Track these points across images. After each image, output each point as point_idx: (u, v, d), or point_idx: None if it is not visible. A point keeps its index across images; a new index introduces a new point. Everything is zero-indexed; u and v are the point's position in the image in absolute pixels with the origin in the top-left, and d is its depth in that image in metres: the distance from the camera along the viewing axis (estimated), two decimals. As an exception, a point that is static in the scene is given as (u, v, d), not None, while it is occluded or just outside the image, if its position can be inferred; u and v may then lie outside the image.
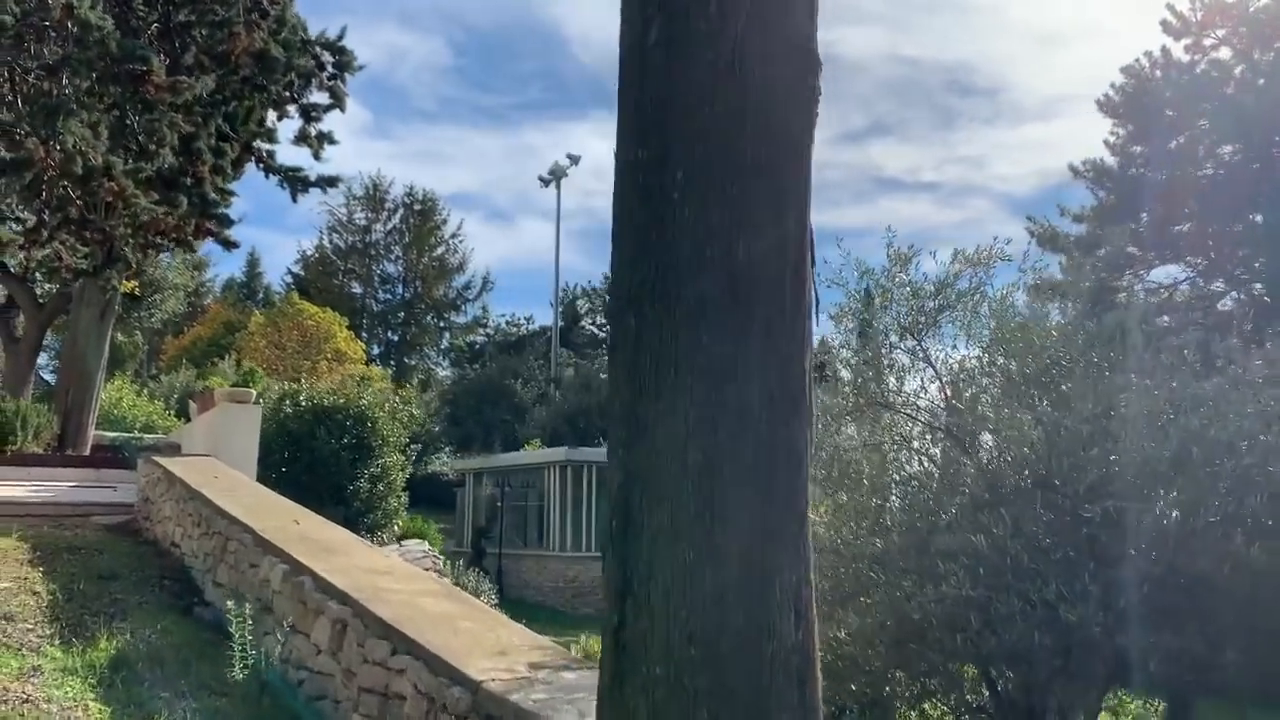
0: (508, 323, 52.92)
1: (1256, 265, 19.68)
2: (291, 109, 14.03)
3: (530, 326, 51.58)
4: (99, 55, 9.08)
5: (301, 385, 15.94)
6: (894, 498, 7.12)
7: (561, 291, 45.90)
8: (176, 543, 9.72)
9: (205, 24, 10.88)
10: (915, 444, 7.30)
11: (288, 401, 14.96)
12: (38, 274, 18.35)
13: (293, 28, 12.85)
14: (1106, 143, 21.41)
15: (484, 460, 34.06)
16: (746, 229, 2.37)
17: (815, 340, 2.57)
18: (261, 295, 56.97)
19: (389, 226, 56.22)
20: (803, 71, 2.53)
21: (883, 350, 7.78)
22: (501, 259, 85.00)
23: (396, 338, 56.55)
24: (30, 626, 6.78)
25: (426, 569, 10.61)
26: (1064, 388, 6.36)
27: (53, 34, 9.08)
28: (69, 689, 5.46)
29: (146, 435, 19.19)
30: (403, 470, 15.62)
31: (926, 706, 7.03)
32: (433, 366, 56.41)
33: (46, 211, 10.48)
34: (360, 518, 14.34)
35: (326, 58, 13.91)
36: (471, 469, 33.74)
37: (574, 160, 43.62)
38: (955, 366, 7.55)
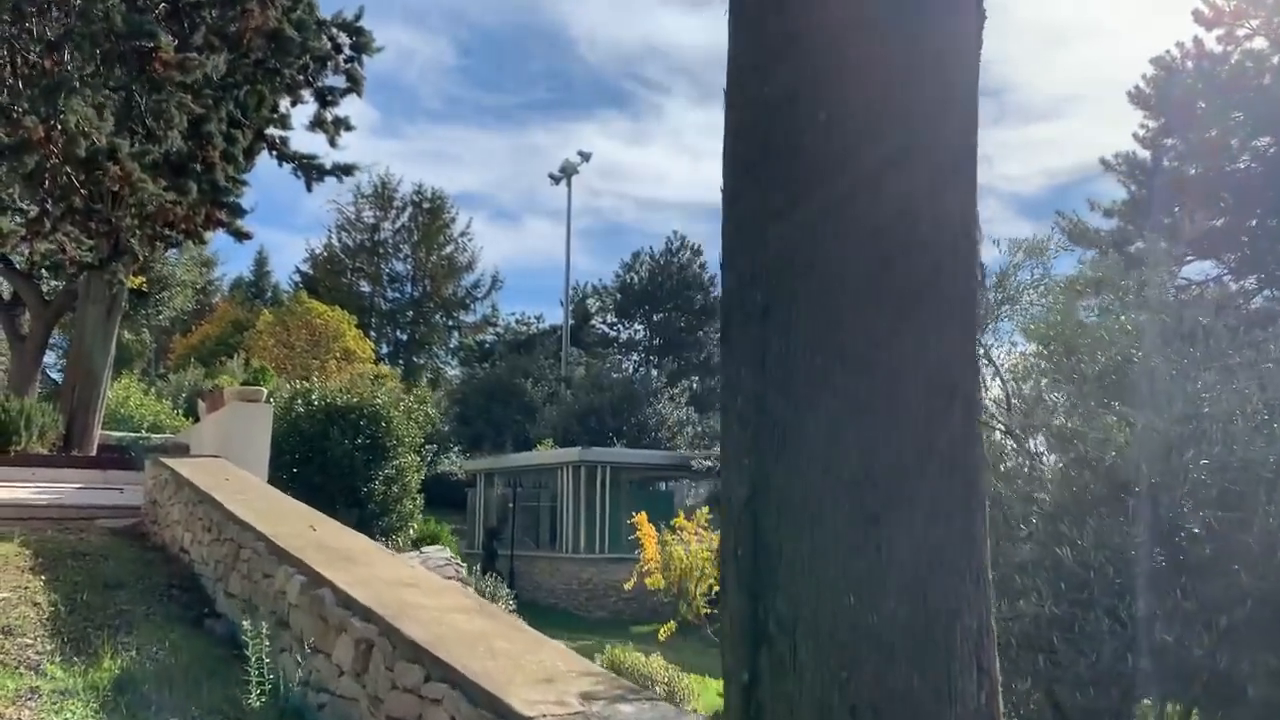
0: (517, 321, 52.52)
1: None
2: (306, 93, 13.49)
3: (540, 325, 51.14)
4: (103, 31, 8.61)
5: (314, 384, 15.46)
6: None
7: (571, 290, 45.48)
8: (185, 548, 9.26)
9: (216, 1, 10.38)
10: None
11: (300, 400, 14.49)
12: (43, 270, 17.92)
13: (308, 6, 12.30)
14: (1136, 135, 20.89)
15: (495, 460, 33.60)
16: (903, 173, 1.88)
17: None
18: (270, 294, 56.62)
19: (397, 225, 55.85)
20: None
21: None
22: (507, 259, 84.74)
23: (405, 337, 56.15)
24: (30, 641, 6.32)
25: (449, 577, 10.16)
26: (1145, 387, 5.86)
27: (54, 8, 8.63)
28: (69, 714, 5.00)
29: (154, 435, 18.76)
30: (418, 472, 15.16)
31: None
32: (441, 366, 56.01)
33: (49, 201, 10.04)
34: (375, 520, 13.88)
35: (343, 39, 13.37)
36: (482, 469, 33.29)
37: (585, 157, 43.23)
38: (1015, 363, 7.07)
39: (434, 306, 55.94)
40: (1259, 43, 19.63)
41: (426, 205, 55.62)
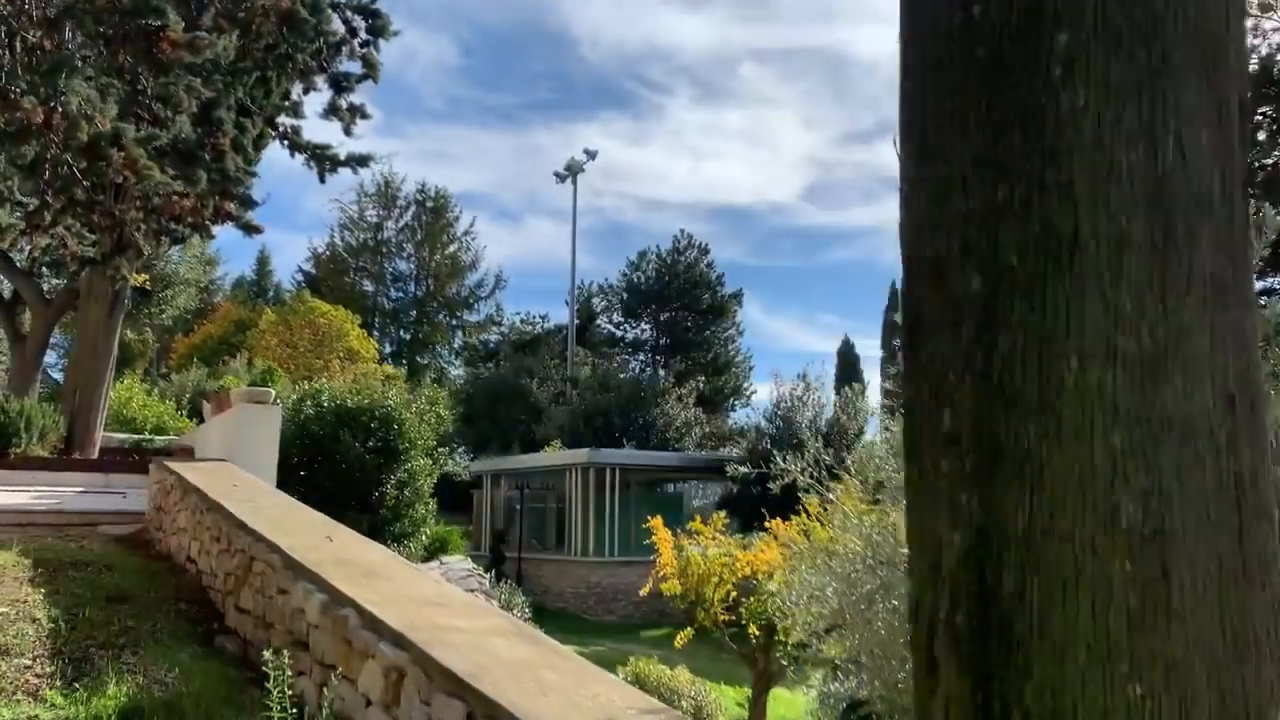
0: (522, 321, 52.03)
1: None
2: (319, 80, 12.99)
3: (545, 325, 50.64)
4: (107, 7, 8.14)
5: (323, 384, 15.00)
6: None
7: (576, 289, 45.00)
8: (193, 558, 8.81)
9: (227, -21, 9.93)
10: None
11: (309, 402, 14.03)
12: (44, 267, 17.46)
13: (322, -13, 11.89)
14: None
15: (502, 461, 33.19)
16: (1171, 119, 1.43)
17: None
18: (272, 293, 56.21)
19: (401, 224, 55.48)
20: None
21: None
22: (509, 259, 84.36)
23: (408, 336, 55.74)
24: (28, 663, 5.87)
25: (471, 590, 9.72)
26: None
27: (54, -17, 8.22)
28: (71, 750, 4.55)
29: (157, 437, 18.30)
30: (430, 476, 14.71)
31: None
32: (445, 365, 55.58)
33: (49, 193, 9.61)
34: (387, 526, 13.44)
35: (358, 22, 12.86)
36: (489, 470, 32.87)
37: (591, 155, 42.78)
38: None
39: (437, 306, 55.52)
40: (1287, 36, 19.18)
41: (430, 204, 55.23)
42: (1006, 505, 1.39)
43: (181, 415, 22.03)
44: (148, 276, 20.90)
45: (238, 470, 10.56)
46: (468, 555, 21.28)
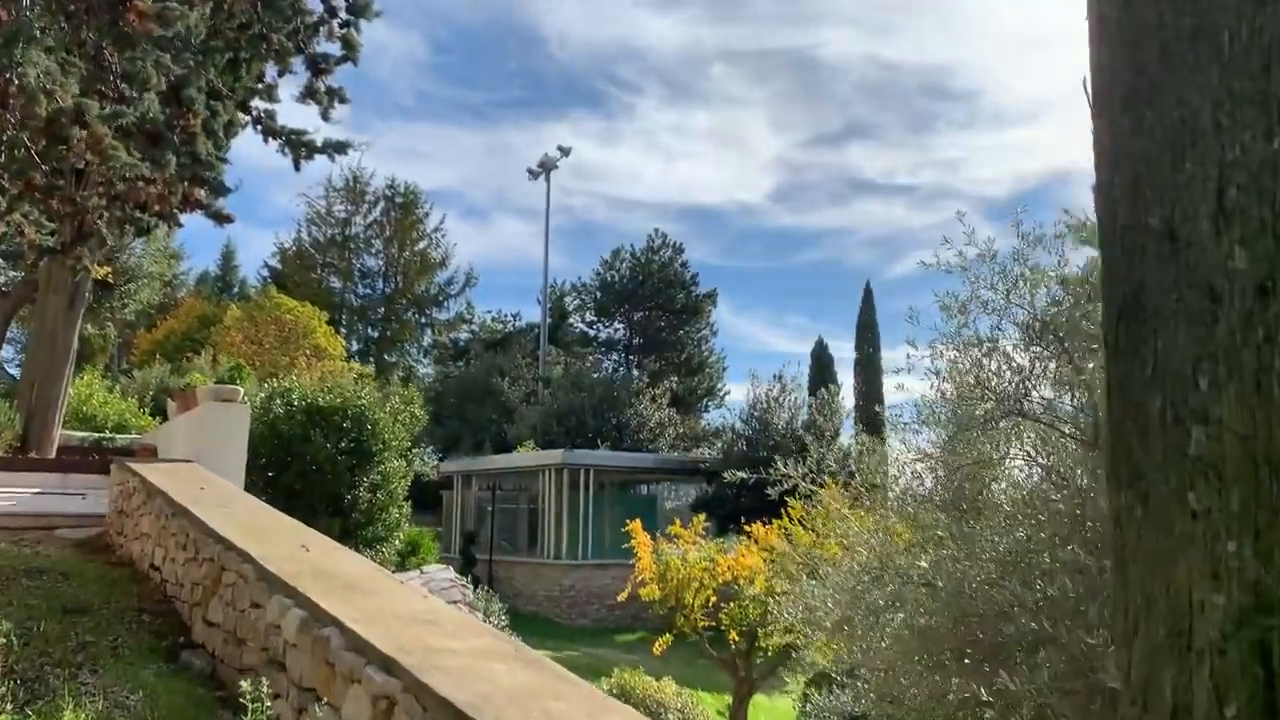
0: (493, 319, 51.40)
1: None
2: (296, 61, 12.37)
3: (516, 323, 50.07)
4: (68, -27, 7.67)
5: (294, 382, 14.45)
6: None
7: (549, 288, 44.52)
8: (156, 565, 8.32)
9: (199, -50, 9.35)
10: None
11: (278, 400, 13.49)
12: (0, 258, 16.78)
13: (300, -39, 11.30)
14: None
15: (473, 462, 32.67)
16: None
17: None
18: (237, 289, 55.22)
19: (369, 220, 54.66)
20: None
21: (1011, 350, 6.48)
22: (479, 257, 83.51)
23: (376, 334, 54.96)
24: (-24, 684, 5.39)
25: (455, 601, 9.29)
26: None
27: (11, -51, 7.67)
28: (22, 786, 4.10)
29: (118, 435, 17.66)
30: (404, 478, 14.22)
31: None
32: (413, 364, 54.85)
33: (5, 177, 9.04)
34: (359, 530, 12.95)
35: (338, 0, 12.26)
36: (460, 471, 32.34)
37: (565, 152, 42.35)
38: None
39: (406, 303, 54.78)
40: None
41: (399, 200, 54.45)
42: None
43: (144, 413, 21.36)
44: (110, 269, 20.18)
45: (205, 472, 10.05)
46: (447, 564, 20.81)
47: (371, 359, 49.59)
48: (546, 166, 42.05)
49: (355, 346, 51.76)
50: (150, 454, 13.03)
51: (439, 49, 73.65)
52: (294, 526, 7.60)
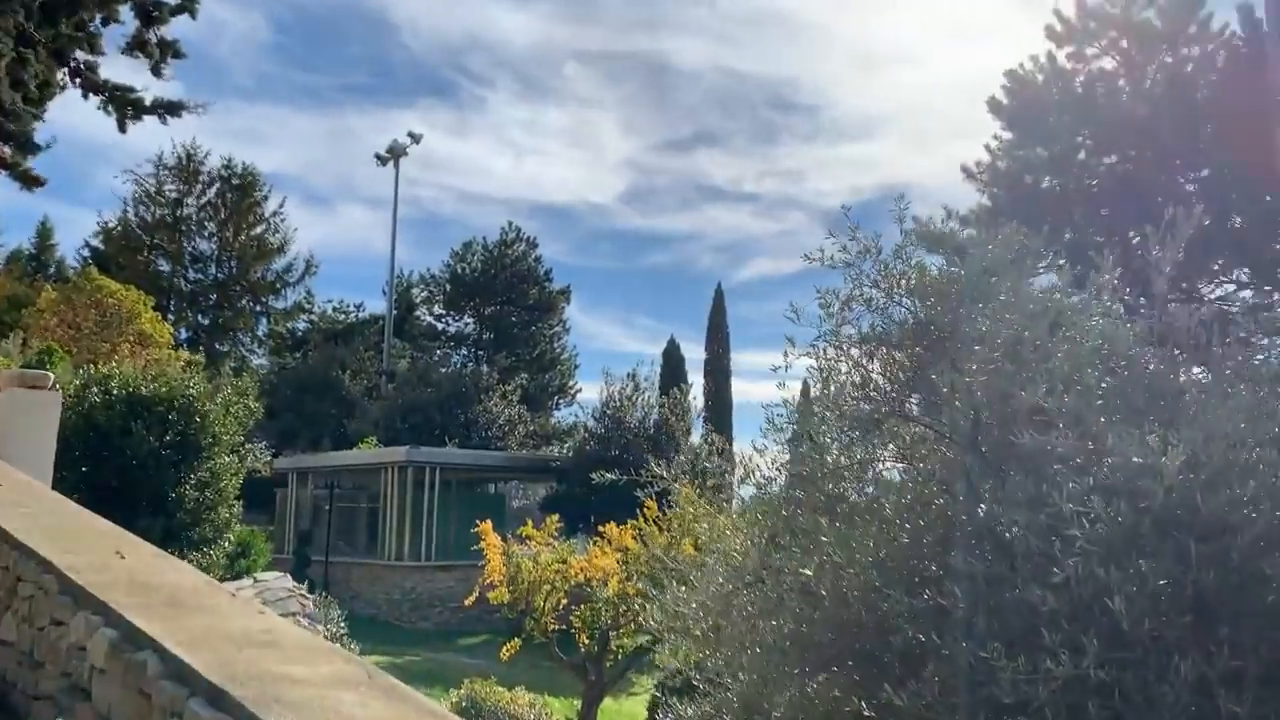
0: (335, 309, 49.43)
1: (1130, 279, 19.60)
2: (123, 9, 11.10)
3: (360, 314, 48.29)
4: None
5: (114, 368, 13.17)
6: (954, 536, 5.64)
7: (395, 279, 43.08)
8: (-61, 573, 7.28)
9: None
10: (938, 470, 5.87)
11: (96, 388, 12.25)
12: None
13: (125, -106, 10.12)
14: (988, 147, 21.05)
15: (311, 458, 31.25)
16: None
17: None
18: (54, 270, 51.29)
19: (203, 201, 51.71)
20: None
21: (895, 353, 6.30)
22: (320, 245, 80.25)
23: (208, 321, 52.04)
24: None
25: (293, 612, 8.51)
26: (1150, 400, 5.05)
27: None
28: None
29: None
30: (235, 475, 13.16)
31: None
32: (247, 353, 52.23)
33: None
34: (184, 531, 11.87)
35: (175, -58, 11.14)
36: (295, 467, 30.84)
37: (415, 139, 41.18)
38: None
39: (241, 290, 52.09)
40: (1107, 63, 20.10)
41: (236, 181, 51.71)
42: None
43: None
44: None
45: (5, 466, 8.95)
46: (280, 565, 19.61)
47: (202, 348, 46.86)
48: (396, 152, 40.72)
49: (184, 334, 48.85)
50: (-59, 446, 11.62)
51: (280, 29, 70.36)
52: (108, 530, 6.74)
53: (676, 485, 8.28)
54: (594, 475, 12.23)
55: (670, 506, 14.76)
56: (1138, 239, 18.09)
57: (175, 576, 5.54)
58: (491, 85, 72.17)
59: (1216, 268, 18.55)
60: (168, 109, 12.07)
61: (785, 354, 6.89)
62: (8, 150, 10.10)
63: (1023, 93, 20.50)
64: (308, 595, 11.91)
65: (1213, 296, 19.18)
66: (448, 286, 47.64)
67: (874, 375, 6.46)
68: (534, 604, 14.94)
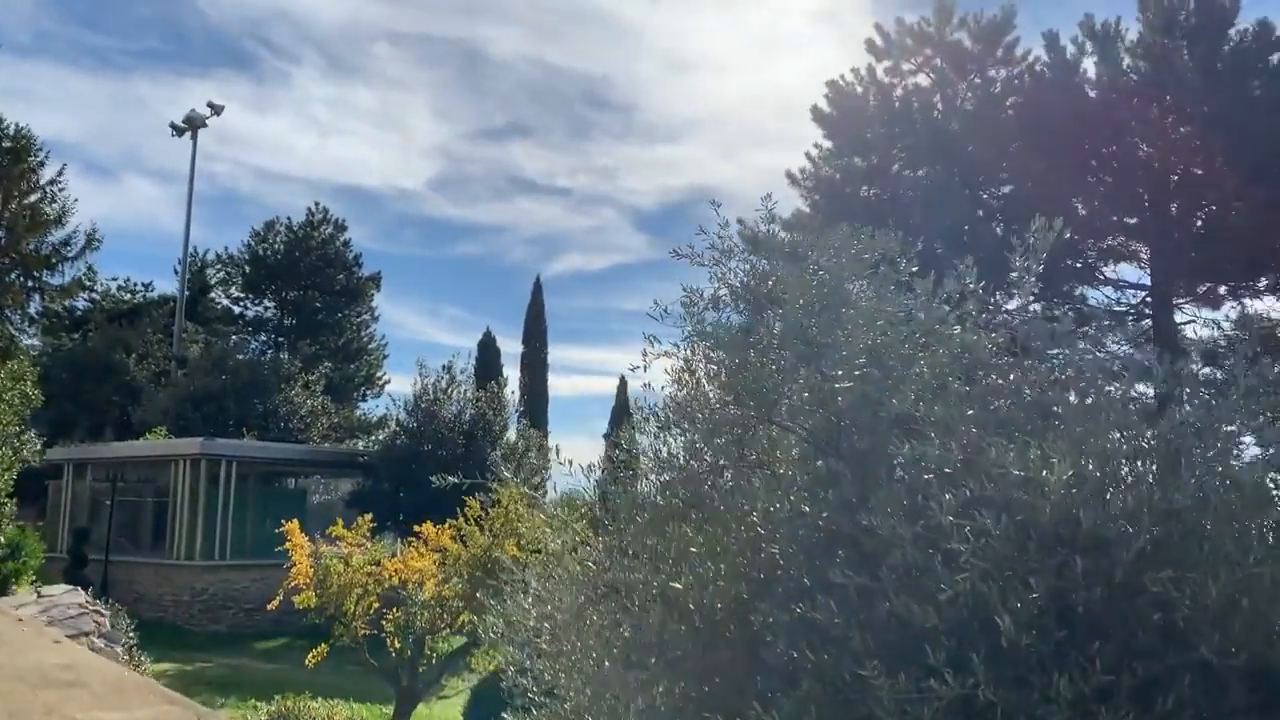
0: (119, 288, 45.74)
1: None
2: None
3: (148, 295, 44.89)
4: None
5: None
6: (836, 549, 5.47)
7: (190, 257, 40.30)
8: None
9: None
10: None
11: None
12: None
13: None
14: (809, 155, 21.56)
15: (90, 449, 28.81)
16: None
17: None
18: None
19: (-34, 163, 46.77)
20: None
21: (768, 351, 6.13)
22: (103, 218, 74.05)
23: (-31, 296, 47.18)
24: None
25: (87, 632, 7.50)
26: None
27: None
28: None
29: None
30: (9, 470, 11.75)
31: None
32: (17, 333, 47.64)
33: None
34: (-56, 534, 10.50)
35: None
36: (72, 459, 28.34)
37: (216, 110, 38.58)
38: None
39: (10, 262, 47.39)
40: (922, 79, 20.94)
41: (7, 144, 47.01)
42: None
43: None
44: None
45: None
46: (40, 555, 17.78)
47: (-40, 326, 42.46)
48: (195, 123, 38.07)
49: (-60, 310, 44.10)
50: None
51: (62, -17, 64.65)
52: None
53: (496, 486, 7.85)
54: (434, 479, 11.59)
55: (495, 505, 14.31)
56: (941, 249, 18.91)
57: (-56, 599, 4.69)
58: (296, 60, 68.71)
59: (1010, 281, 19.58)
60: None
61: (644, 353, 6.59)
62: None
63: (843, 103, 21.09)
64: (103, 610, 10.68)
65: (1008, 308, 20.28)
66: (248, 268, 44.91)
67: (741, 378, 6.25)
68: (344, 609, 14.14)
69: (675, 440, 6.65)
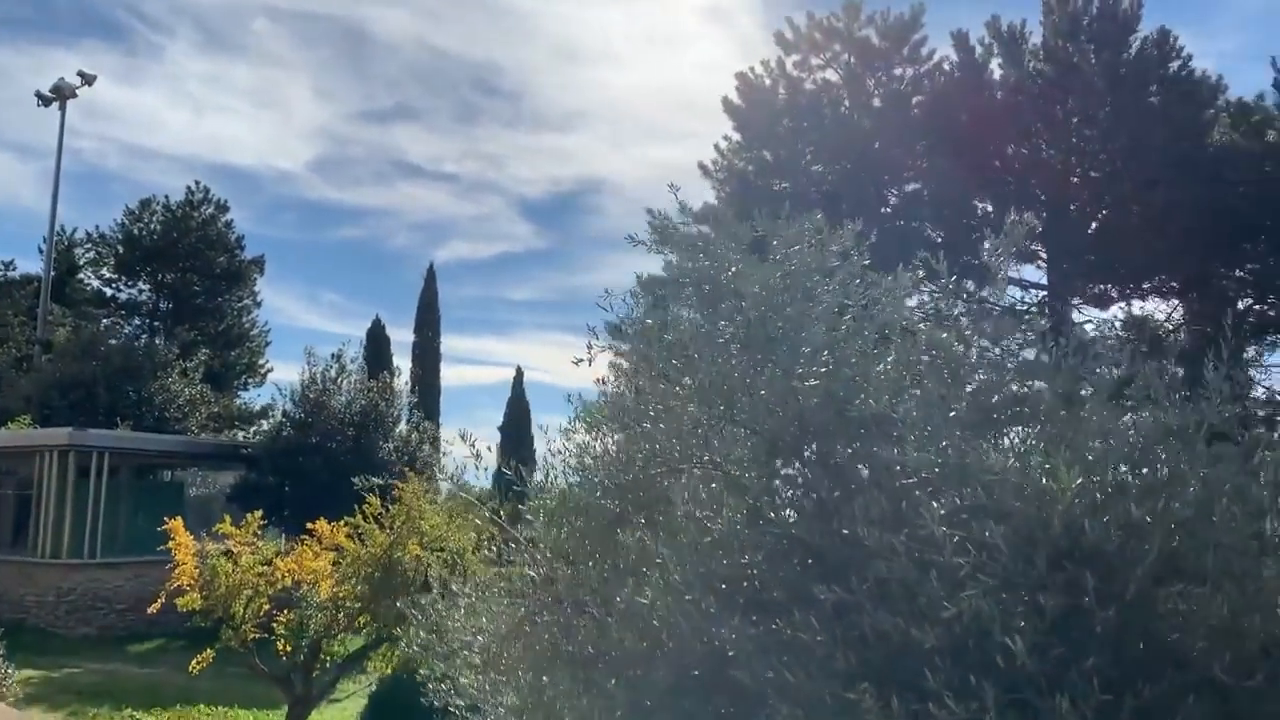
0: (-23, 268, 42.88)
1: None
2: None
3: (9, 274, 42.15)
4: None
5: None
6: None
7: (56, 236, 37.88)
8: None
9: None
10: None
11: None
12: None
13: None
14: (718, 147, 21.42)
15: (-57, 439, 26.68)
16: None
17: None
18: None
19: None
20: None
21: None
22: (-46, 193, 69.54)
23: None
24: None
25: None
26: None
27: None
28: None
29: None
30: None
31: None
32: None
33: None
34: None
35: None
36: (-77, 450, 26.24)
37: (88, 80, 36.34)
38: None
39: None
40: (831, 74, 21.00)
41: None
42: None
43: None
44: None
45: None
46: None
47: None
48: (63, 93, 35.77)
49: None
50: None
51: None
52: None
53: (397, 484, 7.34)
54: (354, 479, 10.94)
55: (394, 501, 13.68)
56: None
57: None
58: (170, 33, 65.40)
59: (920, 276, 19.78)
60: None
61: (589, 346, 6.17)
62: None
63: (753, 95, 20.99)
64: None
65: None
66: (121, 248, 42.43)
67: (697, 376, 5.88)
68: (233, 611, 13.33)
69: (618, 439, 6.21)
